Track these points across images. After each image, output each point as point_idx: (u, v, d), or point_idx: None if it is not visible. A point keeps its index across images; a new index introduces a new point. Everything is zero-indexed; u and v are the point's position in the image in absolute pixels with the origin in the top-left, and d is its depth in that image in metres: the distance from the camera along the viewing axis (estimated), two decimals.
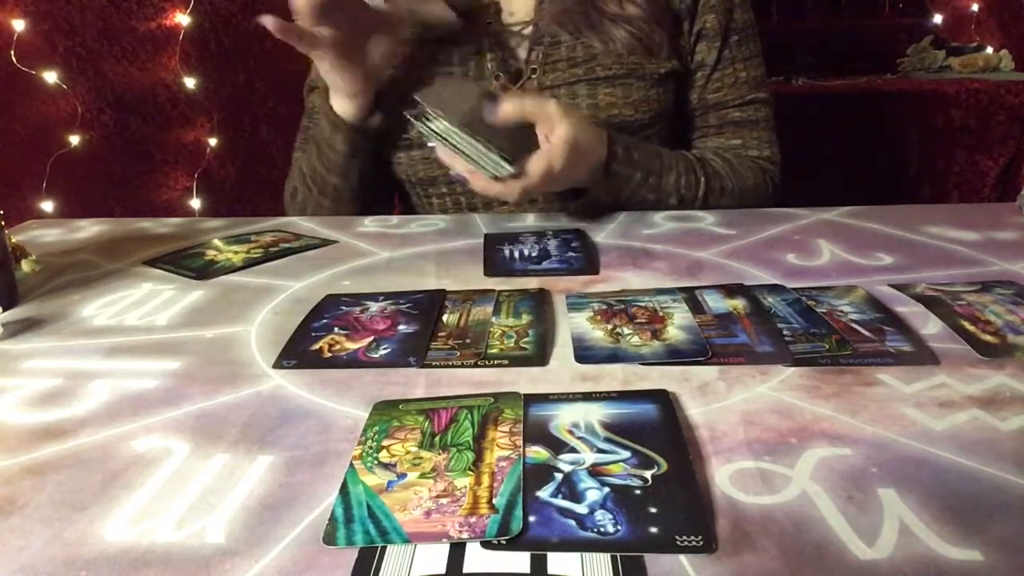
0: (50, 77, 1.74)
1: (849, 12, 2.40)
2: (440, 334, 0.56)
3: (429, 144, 0.76)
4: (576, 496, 0.37)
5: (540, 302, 0.61)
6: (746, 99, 0.94)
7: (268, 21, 0.74)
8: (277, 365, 0.52)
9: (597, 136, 0.80)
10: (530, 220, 0.86)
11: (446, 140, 0.72)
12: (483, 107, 0.72)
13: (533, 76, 0.90)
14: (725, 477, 0.38)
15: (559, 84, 0.89)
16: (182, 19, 1.89)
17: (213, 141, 1.99)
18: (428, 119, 0.72)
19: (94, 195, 1.85)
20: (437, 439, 0.42)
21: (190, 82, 1.92)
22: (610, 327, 0.55)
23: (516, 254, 0.73)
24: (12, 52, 1.67)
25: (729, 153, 0.93)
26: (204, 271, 0.72)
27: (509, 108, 0.73)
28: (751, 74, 0.94)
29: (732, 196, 0.90)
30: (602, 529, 0.34)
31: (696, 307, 0.58)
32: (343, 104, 0.86)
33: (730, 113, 0.94)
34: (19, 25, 1.68)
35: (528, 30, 0.91)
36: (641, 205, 0.86)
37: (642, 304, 0.59)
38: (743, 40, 0.94)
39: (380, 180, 0.96)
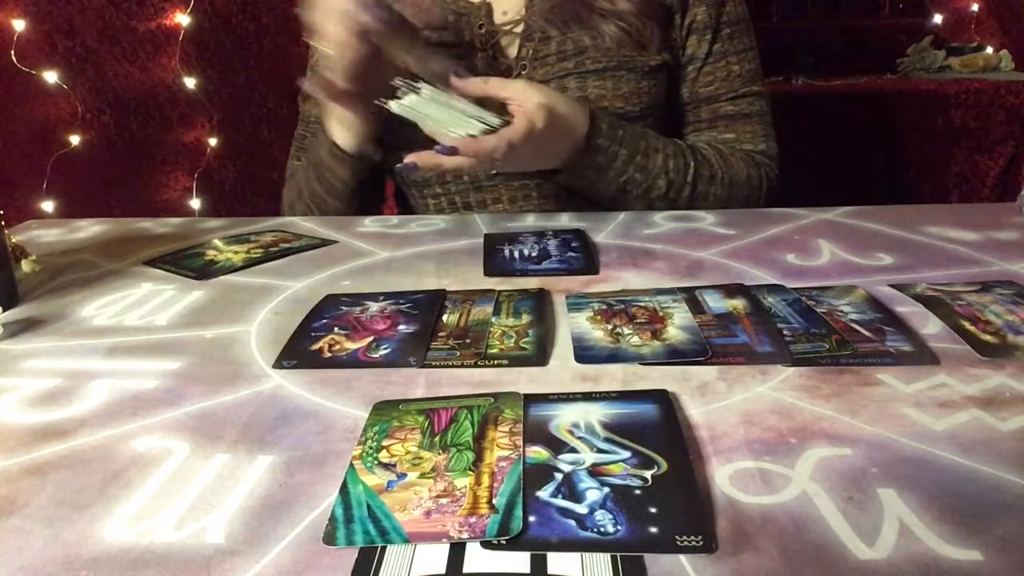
0: (50, 77, 1.74)
1: (849, 12, 2.40)
2: (440, 334, 0.56)
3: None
4: (576, 496, 0.37)
5: (540, 302, 0.61)
6: (739, 92, 0.94)
7: (312, 89, 0.78)
8: (277, 365, 0.52)
9: (578, 108, 0.80)
10: (530, 220, 0.86)
11: (420, 112, 0.73)
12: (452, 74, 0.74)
13: (523, 72, 0.90)
14: (725, 477, 0.38)
15: (549, 78, 0.89)
16: (182, 19, 1.89)
17: (213, 141, 1.99)
18: (400, 95, 0.73)
19: (94, 195, 1.85)
20: (437, 439, 0.42)
21: (190, 82, 1.92)
22: (610, 327, 0.55)
23: (516, 254, 0.73)
24: (12, 52, 1.67)
25: (722, 146, 0.93)
26: (204, 271, 0.72)
27: (477, 83, 0.74)
28: (744, 68, 0.94)
29: (722, 184, 0.89)
30: (602, 529, 0.34)
31: (696, 307, 0.58)
32: (349, 135, 0.86)
33: (722, 107, 0.94)
34: (19, 25, 1.68)
35: (519, 28, 0.91)
36: (629, 186, 0.85)
37: (642, 304, 0.59)
38: (735, 33, 0.93)
39: (375, 186, 0.97)
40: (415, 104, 0.73)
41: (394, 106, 0.74)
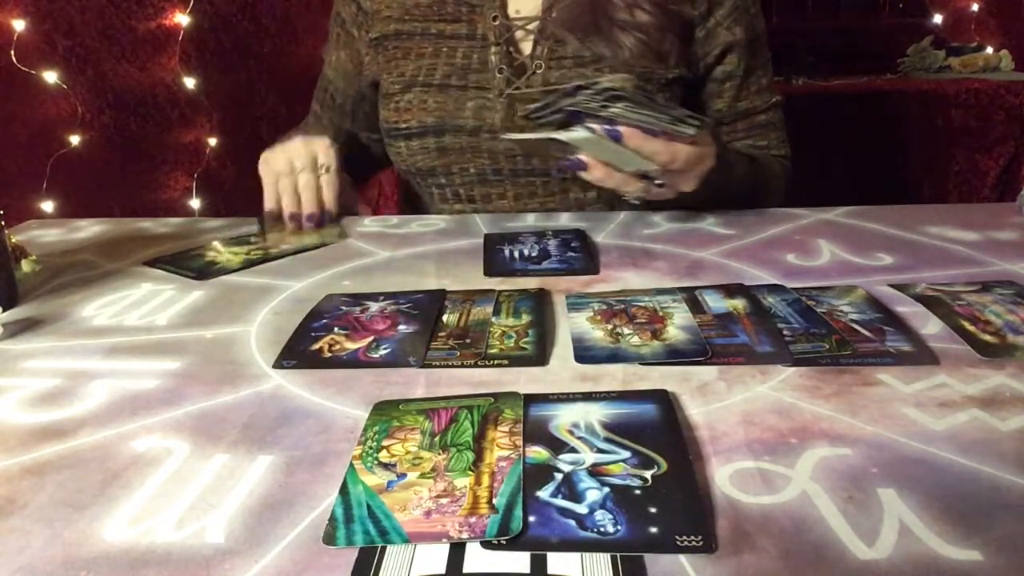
0: (50, 77, 1.74)
1: (849, 12, 2.40)
2: (440, 334, 0.56)
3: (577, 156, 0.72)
4: (576, 496, 0.37)
5: (540, 302, 0.61)
6: (769, 104, 0.96)
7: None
8: (277, 365, 0.52)
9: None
10: (530, 220, 0.86)
11: (629, 120, 0.68)
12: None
13: (538, 71, 0.90)
14: (725, 477, 0.38)
15: (566, 82, 0.89)
16: (182, 19, 1.89)
17: (213, 141, 1.99)
18: (599, 111, 0.68)
19: (94, 195, 1.85)
20: (437, 439, 0.42)
21: (190, 82, 1.92)
22: (610, 327, 0.55)
23: (516, 254, 0.73)
24: (12, 52, 1.67)
25: (758, 152, 0.96)
26: (204, 271, 0.72)
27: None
28: (769, 79, 0.97)
29: (767, 191, 0.93)
30: (602, 529, 0.34)
31: (696, 307, 0.58)
32: None
33: (757, 118, 0.96)
34: (19, 25, 1.68)
35: (534, 25, 0.91)
36: (739, 194, 0.87)
37: (642, 304, 0.59)
38: (761, 47, 0.95)
39: (361, 158, 1.04)
40: (615, 115, 0.68)
41: (590, 128, 0.68)
